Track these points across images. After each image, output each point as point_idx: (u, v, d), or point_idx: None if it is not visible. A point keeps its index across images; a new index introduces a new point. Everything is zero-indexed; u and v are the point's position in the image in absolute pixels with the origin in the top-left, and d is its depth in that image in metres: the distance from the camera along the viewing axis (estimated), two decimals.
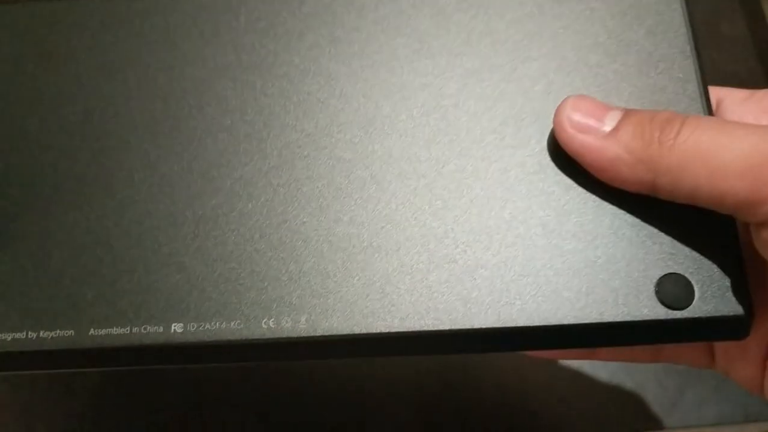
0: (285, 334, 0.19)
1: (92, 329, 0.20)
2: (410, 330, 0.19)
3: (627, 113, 0.20)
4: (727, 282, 0.19)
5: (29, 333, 0.20)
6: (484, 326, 0.19)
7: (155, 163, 0.21)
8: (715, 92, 0.22)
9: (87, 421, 0.33)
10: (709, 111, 0.21)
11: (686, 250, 0.20)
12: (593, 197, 0.20)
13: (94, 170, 0.21)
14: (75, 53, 0.23)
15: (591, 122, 0.20)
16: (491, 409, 0.34)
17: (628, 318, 0.19)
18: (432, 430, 0.33)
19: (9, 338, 0.20)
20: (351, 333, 0.19)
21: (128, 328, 0.20)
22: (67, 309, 0.20)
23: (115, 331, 0.20)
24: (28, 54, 0.23)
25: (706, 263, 0.19)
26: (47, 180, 0.21)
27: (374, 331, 0.19)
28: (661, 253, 0.20)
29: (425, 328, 0.19)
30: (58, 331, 0.20)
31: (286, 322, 0.20)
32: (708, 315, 0.19)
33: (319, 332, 0.19)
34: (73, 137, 0.22)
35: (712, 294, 0.19)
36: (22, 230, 0.21)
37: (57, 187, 0.21)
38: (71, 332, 0.20)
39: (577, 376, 0.34)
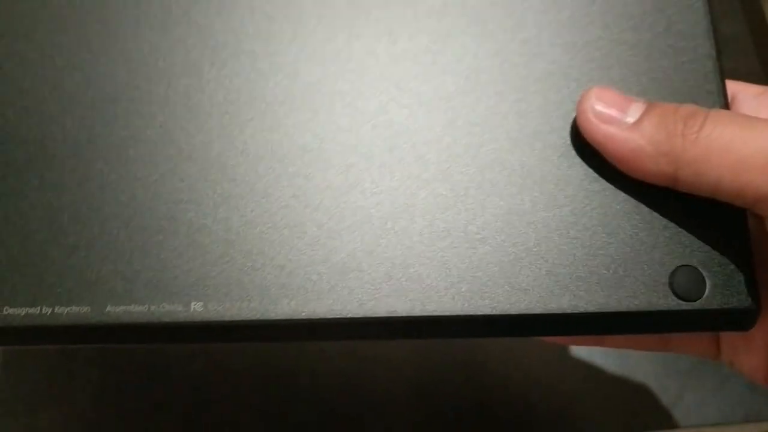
0: (305, 316, 0.19)
1: (109, 306, 0.19)
2: (435, 314, 0.20)
3: (650, 106, 0.20)
4: (737, 275, 0.20)
5: (44, 308, 0.19)
6: (501, 313, 0.20)
7: (175, 136, 0.21)
8: (730, 87, 0.22)
9: (87, 422, 0.33)
10: (726, 106, 0.21)
11: (699, 242, 0.20)
12: (611, 187, 0.21)
13: (112, 140, 0.21)
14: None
15: (614, 113, 0.20)
16: (490, 409, 0.34)
17: (641, 308, 0.20)
18: (431, 428, 0.33)
19: (23, 313, 0.19)
20: (375, 316, 0.20)
21: (146, 306, 0.19)
22: (84, 284, 0.20)
23: (133, 308, 0.19)
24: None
25: (718, 256, 0.20)
26: (64, 150, 0.21)
27: (399, 315, 0.19)
28: (674, 245, 0.20)
29: (449, 313, 0.20)
30: (73, 307, 0.19)
31: (306, 303, 0.20)
32: (718, 307, 0.20)
33: (346, 314, 0.19)
34: (87, 108, 0.21)
35: (723, 287, 0.20)
36: (36, 203, 0.20)
37: (75, 157, 0.21)
38: (87, 308, 0.19)
39: (578, 376, 0.34)
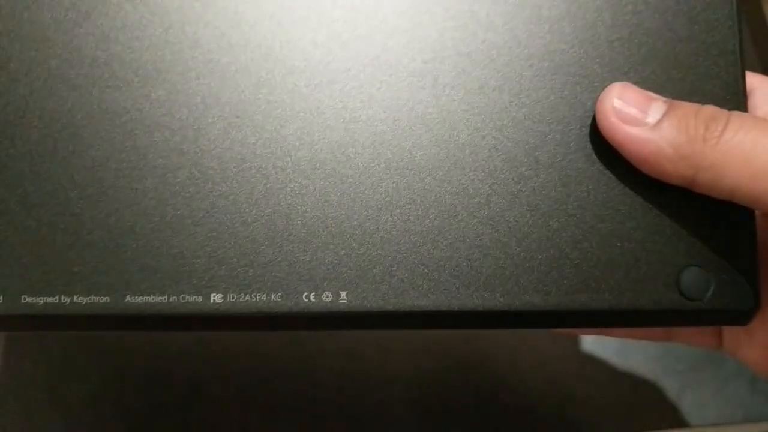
0: (326, 309, 0.20)
1: (129, 296, 0.20)
2: (457, 309, 0.20)
3: (671, 106, 0.20)
4: (741, 277, 0.20)
5: (63, 297, 0.19)
6: (513, 309, 0.20)
7: (196, 125, 0.21)
8: (748, 79, 0.22)
9: (87, 422, 0.33)
10: (745, 104, 0.21)
11: (706, 243, 0.20)
12: (624, 186, 0.21)
13: (129, 128, 0.21)
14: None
15: (635, 113, 0.20)
16: (489, 409, 0.34)
17: (648, 306, 0.20)
18: (430, 428, 0.33)
19: (41, 302, 0.19)
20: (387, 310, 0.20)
21: (166, 297, 0.20)
22: (103, 274, 0.20)
23: (153, 299, 0.20)
24: None
25: (724, 258, 0.20)
26: (81, 140, 0.21)
27: (413, 309, 0.20)
28: (683, 245, 0.20)
29: (465, 308, 0.20)
30: (93, 297, 0.20)
31: (327, 296, 0.20)
32: (721, 307, 0.20)
33: (361, 308, 0.20)
34: (107, 95, 0.21)
35: (727, 288, 0.20)
36: (54, 193, 0.20)
37: (93, 147, 0.21)
38: (107, 299, 0.20)
39: (578, 376, 0.35)
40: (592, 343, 0.35)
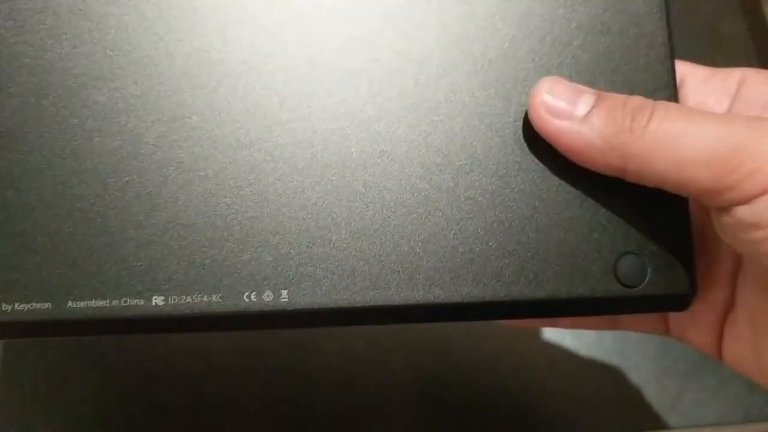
0: (267, 308, 0.20)
1: (70, 302, 0.20)
2: (398, 303, 0.20)
3: (599, 98, 0.20)
4: (677, 263, 0.21)
5: (4, 306, 0.19)
6: (450, 301, 0.20)
7: (134, 126, 0.21)
8: (679, 68, 0.23)
9: (87, 422, 0.33)
10: (675, 93, 0.22)
11: (642, 230, 0.21)
12: (559, 176, 0.21)
13: (69, 133, 0.21)
14: None
15: (564, 106, 0.20)
16: (488, 409, 0.34)
17: (586, 294, 0.21)
18: (430, 429, 0.33)
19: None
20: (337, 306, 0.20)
21: (107, 301, 0.20)
22: (44, 281, 0.20)
23: (95, 303, 0.20)
24: None
25: (659, 244, 0.21)
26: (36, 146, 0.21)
27: (353, 305, 0.20)
28: (619, 232, 0.21)
29: (410, 302, 0.20)
30: (34, 304, 0.19)
31: (268, 296, 0.20)
32: (658, 293, 0.21)
33: (303, 305, 0.20)
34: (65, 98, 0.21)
35: (663, 274, 0.21)
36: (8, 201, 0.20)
37: (31, 152, 0.21)
38: (48, 305, 0.20)
39: (577, 376, 0.35)
40: (591, 343, 0.35)
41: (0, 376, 0.34)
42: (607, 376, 0.34)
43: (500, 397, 0.34)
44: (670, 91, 0.22)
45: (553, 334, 0.35)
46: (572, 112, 0.20)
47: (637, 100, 0.20)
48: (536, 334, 0.35)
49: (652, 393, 0.34)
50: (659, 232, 0.21)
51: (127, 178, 0.20)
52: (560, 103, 0.20)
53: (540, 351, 0.35)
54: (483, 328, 0.35)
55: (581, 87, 0.21)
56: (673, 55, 0.22)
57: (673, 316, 0.25)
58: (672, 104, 0.20)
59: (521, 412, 0.34)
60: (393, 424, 0.33)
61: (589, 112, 0.20)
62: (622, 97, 0.20)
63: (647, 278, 0.21)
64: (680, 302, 0.21)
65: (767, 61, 0.42)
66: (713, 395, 0.34)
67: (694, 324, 0.24)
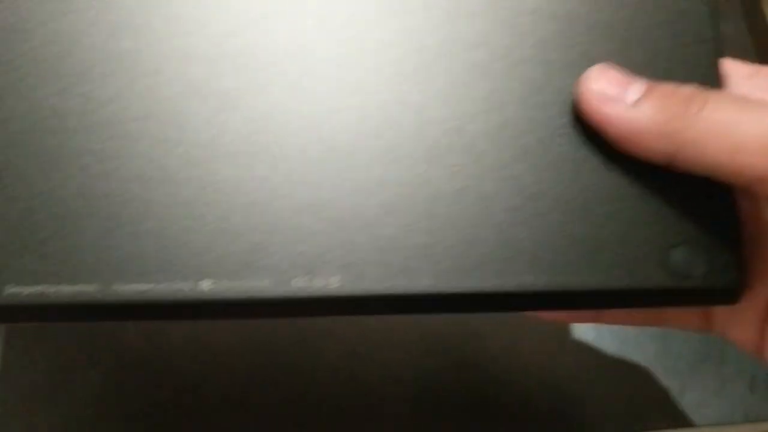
0: (316, 294, 0.20)
1: (116, 284, 0.19)
2: (459, 291, 0.20)
3: (651, 86, 0.20)
4: (727, 255, 0.20)
5: (49, 286, 0.19)
6: (503, 290, 0.20)
7: (183, 112, 0.21)
8: (722, 66, 0.23)
9: (87, 422, 0.33)
10: (721, 87, 0.22)
11: (691, 222, 0.21)
12: (607, 167, 0.21)
13: (115, 118, 0.21)
14: None
15: (615, 93, 0.20)
16: (488, 409, 0.34)
17: (636, 285, 0.20)
18: (430, 428, 0.33)
19: (26, 292, 0.19)
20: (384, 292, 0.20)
21: (153, 284, 0.19)
22: (90, 262, 0.19)
23: (140, 286, 0.19)
24: None
25: (709, 236, 0.21)
26: (62, 128, 0.21)
27: (411, 291, 0.20)
28: (669, 224, 0.21)
29: (453, 290, 0.20)
30: (80, 285, 0.19)
31: (319, 281, 0.20)
32: (707, 286, 0.20)
33: (354, 291, 0.20)
34: (98, 88, 0.21)
35: (713, 266, 0.20)
36: (39, 184, 0.20)
37: (76, 137, 0.21)
38: (93, 287, 0.19)
39: (577, 375, 0.35)
40: (592, 342, 0.35)
41: (0, 375, 0.34)
42: (607, 375, 0.34)
43: (499, 398, 0.34)
44: (716, 87, 0.22)
45: (553, 334, 0.35)
46: (622, 99, 0.20)
47: (689, 88, 0.20)
48: (536, 334, 0.35)
49: (652, 393, 0.34)
50: (708, 223, 0.21)
51: (175, 161, 0.20)
52: (610, 90, 0.20)
53: (540, 351, 0.35)
54: (483, 327, 0.35)
55: (631, 75, 0.21)
56: (719, 52, 0.22)
57: (717, 313, 0.24)
58: (724, 92, 0.20)
59: (521, 411, 0.34)
60: (393, 424, 0.33)
61: (639, 99, 0.20)
62: (674, 85, 0.20)
63: (698, 270, 0.20)
64: (729, 296, 0.21)
65: (767, 61, 0.42)
66: (713, 395, 0.34)
67: (739, 320, 0.24)
